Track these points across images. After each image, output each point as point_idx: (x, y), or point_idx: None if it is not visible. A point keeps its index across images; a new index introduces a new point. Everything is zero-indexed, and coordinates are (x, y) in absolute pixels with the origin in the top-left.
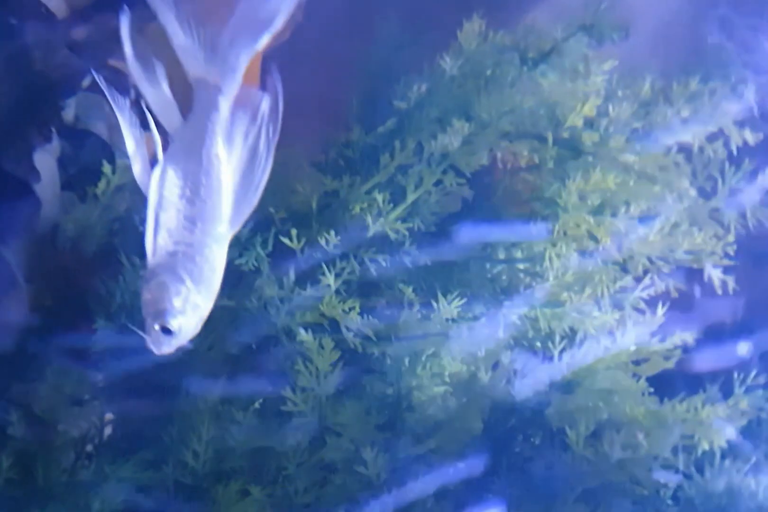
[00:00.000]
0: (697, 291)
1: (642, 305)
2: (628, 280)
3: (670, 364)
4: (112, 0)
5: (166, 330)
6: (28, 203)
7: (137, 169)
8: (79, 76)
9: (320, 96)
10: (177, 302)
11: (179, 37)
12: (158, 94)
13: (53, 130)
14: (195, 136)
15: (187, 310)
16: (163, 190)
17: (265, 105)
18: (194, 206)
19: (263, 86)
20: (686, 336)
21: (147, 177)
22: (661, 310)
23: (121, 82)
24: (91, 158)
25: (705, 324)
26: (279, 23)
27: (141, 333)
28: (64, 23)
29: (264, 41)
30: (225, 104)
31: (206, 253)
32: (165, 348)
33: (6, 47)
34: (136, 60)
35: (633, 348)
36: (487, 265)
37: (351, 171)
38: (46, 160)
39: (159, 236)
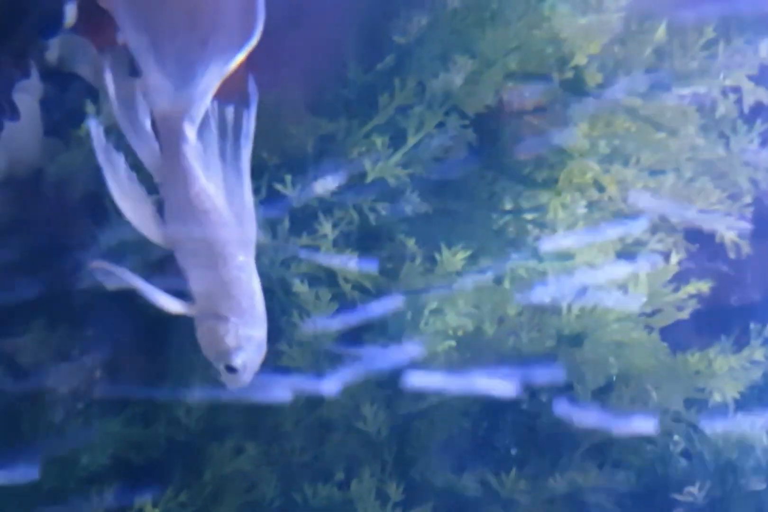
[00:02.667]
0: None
1: (655, 258)
2: (638, 234)
3: (685, 315)
4: None
5: (231, 369)
6: None
7: (143, 228)
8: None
9: (314, 32)
10: (230, 340)
11: (155, 77)
12: (140, 134)
13: (33, 64)
14: (177, 177)
15: (243, 344)
16: (175, 241)
17: (229, 116)
18: (207, 245)
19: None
20: (701, 285)
21: (154, 231)
22: (674, 258)
23: None
24: (75, 102)
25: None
26: (252, 43)
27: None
28: None
29: (237, 61)
30: (192, 130)
31: (238, 285)
32: (239, 383)
33: None
34: (118, 101)
35: (644, 299)
36: (493, 216)
37: (348, 113)
38: (26, 100)
39: (192, 284)
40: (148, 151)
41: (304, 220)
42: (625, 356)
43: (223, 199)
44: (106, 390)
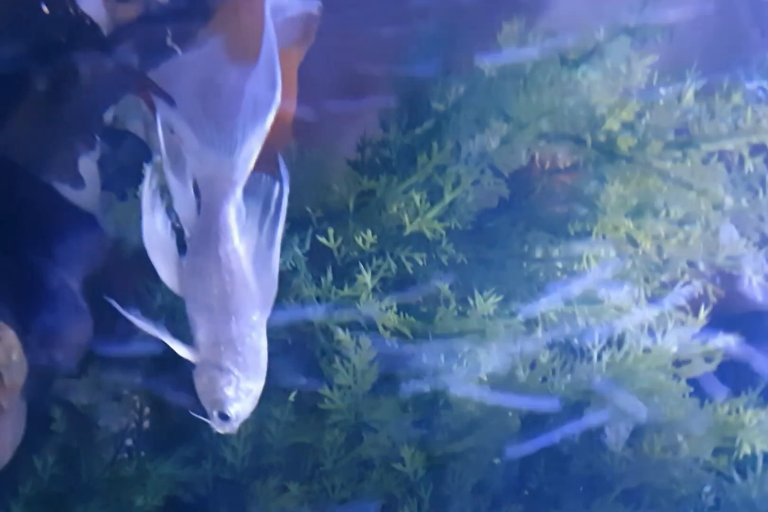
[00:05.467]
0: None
1: (682, 301)
2: (666, 279)
3: (712, 367)
4: (155, 15)
5: (224, 416)
6: (91, 233)
7: (164, 274)
8: (122, 89)
9: (357, 94)
10: (229, 391)
11: (194, 144)
12: (183, 189)
13: (96, 137)
14: (210, 234)
15: (241, 396)
16: (191, 292)
17: (276, 191)
18: (224, 302)
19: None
20: (729, 338)
21: (175, 281)
22: (703, 312)
23: None
24: (129, 158)
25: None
26: (278, 101)
27: (202, 417)
28: (109, 38)
29: (270, 122)
30: (238, 195)
31: (247, 342)
32: (226, 429)
33: (53, 63)
34: (167, 153)
35: (674, 349)
36: (524, 263)
37: (388, 170)
38: (88, 165)
39: (199, 334)
40: (187, 206)
41: (345, 269)
42: (654, 404)
43: (251, 261)
44: (155, 430)
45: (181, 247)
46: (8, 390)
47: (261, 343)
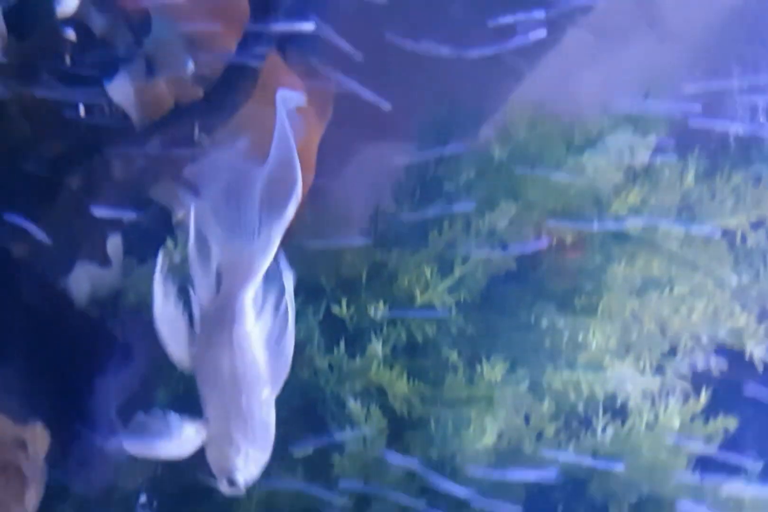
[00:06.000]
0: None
1: (684, 370)
2: (668, 348)
3: (712, 448)
4: (184, 111)
5: (232, 482)
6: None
7: (173, 351)
8: (152, 180)
9: (370, 169)
10: (238, 461)
11: (216, 231)
12: (205, 273)
13: (124, 220)
14: (225, 317)
15: (249, 465)
16: (202, 369)
17: (289, 282)
18: (235, 380)
19: None
20: (729, 421)
21: (184, 358)
22: (704, 394)
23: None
24: (151, 225)
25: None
26: (299, 194)
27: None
28: (141, 135)
29: (291, 212)
30: (257, 282)
31: (257, 417)
32: (234, 492)
33: (89, 160)
34: (195, 242)
35: (676, 425)
36: (531, 333)
37: (400, 244)
38: (115, 243)
39: (209, 407)
40: (207, 289)
41: (357, 338)
42: (656, 480)
43: (263, 344)
44: (168, 489)
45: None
46: (32, 460)
47: (270, 417)
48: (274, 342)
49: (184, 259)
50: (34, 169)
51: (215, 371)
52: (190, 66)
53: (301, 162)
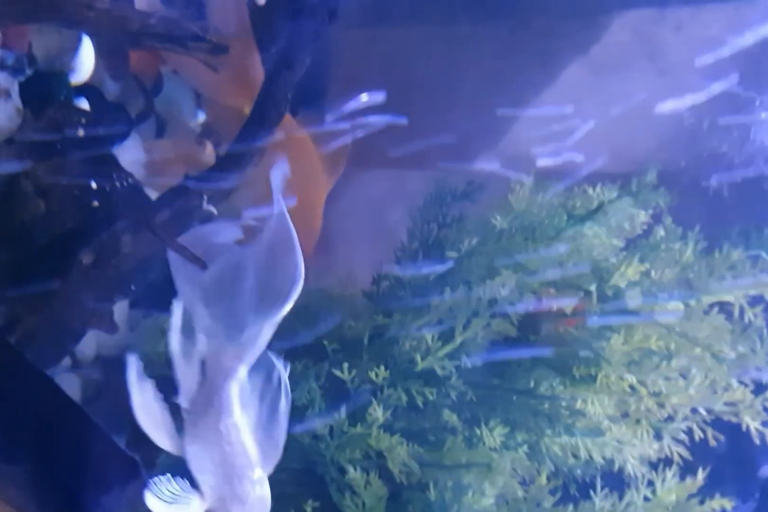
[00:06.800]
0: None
1: (682, 436)
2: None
3: None
4: (194, 181)
5: None
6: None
7: (159, 441)
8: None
9: (375, 231)
10: None
11: (204, 320)
12: (188, 363)
13: (132, 287)
14: (212, 408)
15: None
16: (192, 456)
17: (280, 369)
18: (226, 468)
19: None
20: (725, 502)
21: (170, 445)
22: (701, 474)
23: None
24: (157, 278)
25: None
26: (297, 293)
27: None
28: (150, 205)
29: (286, 311)
30: (243, 371)
31: (251, 497)
32: None
33: (99, 236)
34: (181, 331)
35: (672, 503)
36: (530, 399)
37: (401, 308)
38: (121, 309)
39: (204, 487)
40: (190, 378)
41: (358, 402)
42: None
43: (252, 431)
44: None
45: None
46: None
47: (264, 493)
48: (264, 428)
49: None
50: (47, 243)
51: (205, 459)
52: (201, 118)
53: (308, 217)
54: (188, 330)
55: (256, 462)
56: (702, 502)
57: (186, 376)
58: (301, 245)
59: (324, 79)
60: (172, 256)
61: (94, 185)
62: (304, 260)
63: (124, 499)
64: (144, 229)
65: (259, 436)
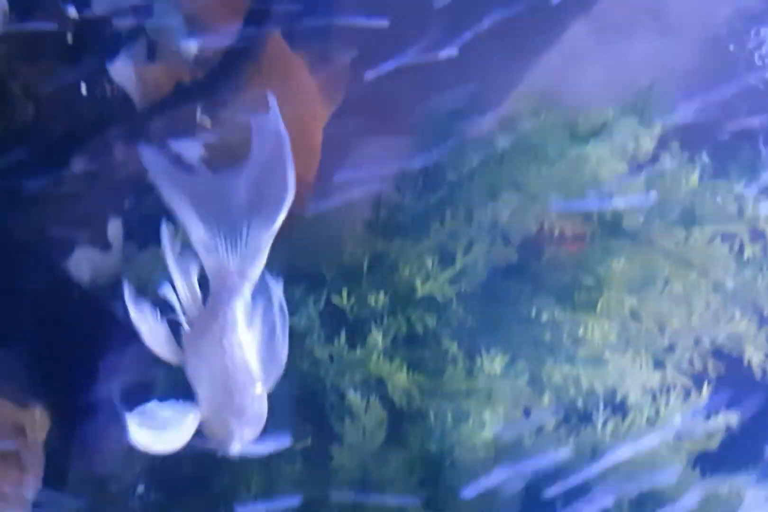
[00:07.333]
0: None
1: (685, 366)
2: (667, 344)
3: (714, 444)
4: (186, 92)
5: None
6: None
7: (159, 353)
8: None
9: (373, 158)
10: (234, 442)
11: (199, 233)
12: (188, 284)
13: (126, 202)
14: (216, 325)
15: (244, 442)
16: (192, 369)
17: (279, 291)
18: (226, 383)
19: None
20: (730, 417)
21: (170, 357)
22: (705, 390)
23: None
24: (152, 209)
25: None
26: (290, 200)
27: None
28: (142, 114)
29: (280, 220)
30: (248, 288)
31: (249, 410)
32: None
33: (90, 142)
34: (172, 253)
35: (677, 421)
36: (531, 327)
37: (401, 234)
38: (115, 227)
39: (202, 400)
40: (191, 295)
41: (357, 328)
42: (657, 477)
43: (256, 346)
44: (167, 479)
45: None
46: (30, 447)
47: (262, 407)
48: (266, 346)
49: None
50: (36, 149)
51: (206, 373)
52: (193, 49)
53: (306, 148)
54: (184, 247)
55: (258, 378)
56: (707, 419)
57: (186, 294)
58: (299, 176)
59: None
60: (155, 163)
61: (84, 90)
62: (303, 191)
63: (121, 365)
64: (137, 138)
65: (262, 353)
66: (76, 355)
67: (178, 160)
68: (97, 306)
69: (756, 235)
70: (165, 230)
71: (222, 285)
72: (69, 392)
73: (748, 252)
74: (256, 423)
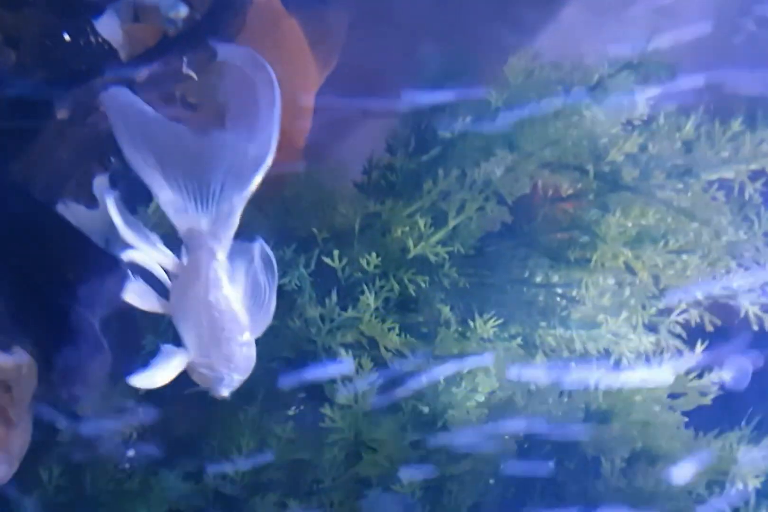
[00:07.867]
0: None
1: (678, 329)
2: (663, 306)
3: (707, 400)
4: (172, 42)
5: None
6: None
7: (144, 307)
8: None
9: (366, 119)
10: (223, 387)
11: (166, 193)
12: (153, 254)
13: (112, 158)
14: (199, 283)
15: (234, 385)
16: (179, 319)
17: (257, 253)
18: (214, 332)
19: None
20: (724, 374)
21: (157, 310)
22: (699, 347)
23: None
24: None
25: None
26: (268, 163)
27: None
28: (128, 65)
29: (256, 182)
30: (222, 251)
31: (237, 355)
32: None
33: (74, 90)
34: (128, 228)
35: (670, 380)
36: (525, 288)
37: (393, 194)
38: (101, 184)
39: (189, 346)
40: (162, 256)
41: (349, 290)
42: (650, 435)
43: (241, 301)
44: (157, 442)
45: None
46: (17, 403)
47: (251, 353)
48: (252, 298)
49: None
50: (19, 96)
51: (192, 323)
52: (183, 12)
53: (298, 111)
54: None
55: (246, 327)
56: (700, 376)
57: (155, 256)
58: (290, 142)
59: None
60: (118, 121)
61: (67, 37)
62: (294, 156)
63: (103, 292)
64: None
65: (250, 304)
66: (55, 282)
67: (145, 112)
68: (75, 234)
69: (756, 174)
70: (110, 195)
71: (198, 247)
72: (52, 326)
73: (748, 191)
74: (244, 369)
